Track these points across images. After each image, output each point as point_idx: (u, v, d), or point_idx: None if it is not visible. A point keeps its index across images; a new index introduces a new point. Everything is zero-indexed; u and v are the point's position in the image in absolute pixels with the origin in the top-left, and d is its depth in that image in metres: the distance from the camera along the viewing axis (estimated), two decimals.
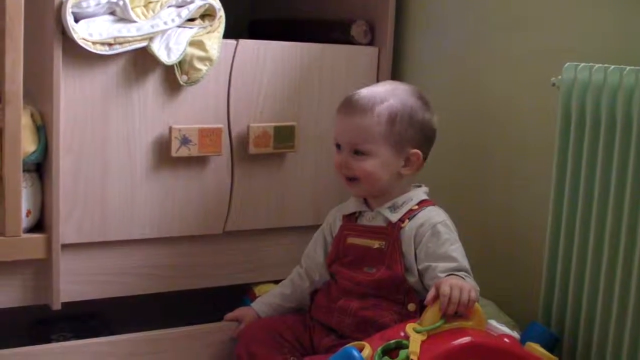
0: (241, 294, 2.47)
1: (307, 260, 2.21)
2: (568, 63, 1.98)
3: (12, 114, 2.07)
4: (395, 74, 2.57)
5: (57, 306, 2.19)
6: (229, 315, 2.23)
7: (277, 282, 2.33)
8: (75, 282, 2.22)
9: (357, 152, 2.02)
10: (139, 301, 2.39)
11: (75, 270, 2.21)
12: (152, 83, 2.21)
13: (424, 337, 1.74)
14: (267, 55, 2.36)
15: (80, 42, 2.08)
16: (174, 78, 2.21)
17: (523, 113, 2.25)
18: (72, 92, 2.12)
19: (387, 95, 2.03)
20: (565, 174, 2.01)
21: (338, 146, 2.07)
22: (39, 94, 2.16)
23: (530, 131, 2.23)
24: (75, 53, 2.10)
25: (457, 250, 1.97)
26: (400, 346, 1.73)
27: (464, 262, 1.96)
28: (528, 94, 2.24)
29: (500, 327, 1.85)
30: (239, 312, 2.23)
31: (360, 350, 1.73)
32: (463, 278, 1.87)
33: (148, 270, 2.31)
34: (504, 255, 2.32)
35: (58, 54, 2.08)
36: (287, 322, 2.12)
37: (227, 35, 2.29)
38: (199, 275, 2.39)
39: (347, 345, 1.74)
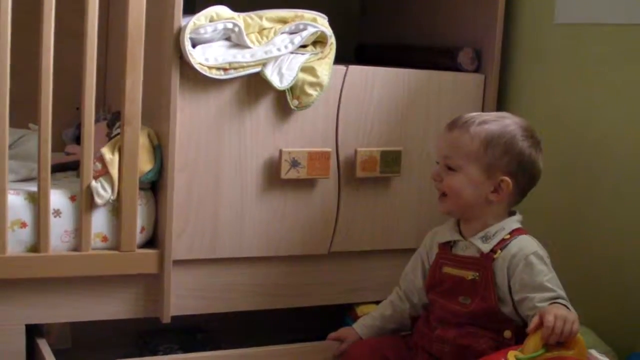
0: (343, 313, 2.53)
1: (406, 282, 2.24)
2: None
3: (131, 134, 2.17)
4: (501, 101, 2.60)
5: (166, 319, 2.28)
6: (332, 334, 2.28)
7: (379, 303, 2.37)
8: (184, 296, 2.30)
9: (449, 168, 2.05)
10: (244, 317, 2.47)
11: (185, 285, 2.30)
12: (264, 107, 2.29)
13: None
14: (375, 81, 2.42)
15: (197, 67, 2.17)
16: (285, 102, 2.29)
17: (630, 148, 2.26)
18: (188, 114, 2.21)
19: (491, 119, 2.06)
20: None
21: (437, 162, 2.11)
22: (156, 115, 2.25)
23: (637, 164, 2.24)
24: (192, 77, 2.19)
25: (551, 281, 1.97)
26: None
27: (560, 291, 1.96)
28: (636, 129, 2.24)
29: (601, 358, 1.86)
30: (341, 332, 2.27)
31: None
32: (567, 307, 1.89)
33: (254, 287, 2.38)
34: (605, 284, 2.32)
35: (175, 78, 2.17)
36: (390, 342, 2.16)
37: (335, 58, 2.35)
38: (303, 294, 2.45)
39: None
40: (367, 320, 2.27)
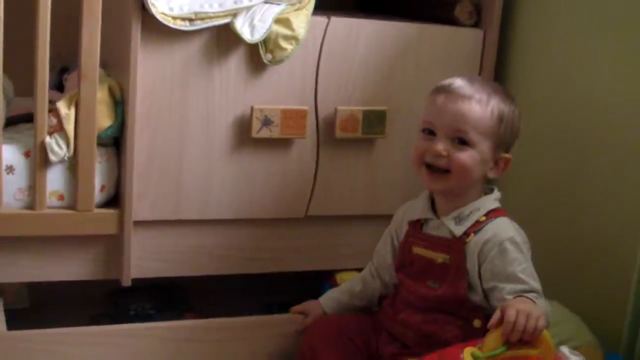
0: (323, 280, 2.40)
1: (378, 258, 2.10)
2: None
3: (88, 89, 2.04)
4: (501, 60, 2.40)
5: (126, 282, 2.17)
6: (296, 307, 2.15)
7: (360, 270, 2.24)
8: (147, 258, 2.19)
9: (459, 141, 1.86)
10: (221, 277, 2.33)
11: (148, 247, 2.19)
12: (235, 61, 2.14)
13: None
14: (360, 34, 2.24)
15: (159, 17, 2.02)
16: (258, 56, 2.13)
17: (631, 116, 2.05)
18: (151, 67, 2.07)
19: (495, 91, 1.89)
20: None
21: (429, 131, 1.90)
22: (118, 69, 2.12)
23: (636, 137, 2.04)
24: (155, 28, 2.04)
25: (525, 271, 1.80)
26: None
27: (534, 283, 1.79)
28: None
29: (572, 357, 1.69)
30: (306, 305, 2.15)
31: None
32: (533, 301, 1.72)
33: (223, 251, 2.26)
34: (593, 266, 2.13)
35: (136, 29, 2.03)
36: (354, 321, 2.03)
37: (337, 7, 2.18)
38: (277, 259, 2.32)
39: None
40: (334, 295, 2.15)
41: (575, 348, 1.90)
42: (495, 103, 1.86)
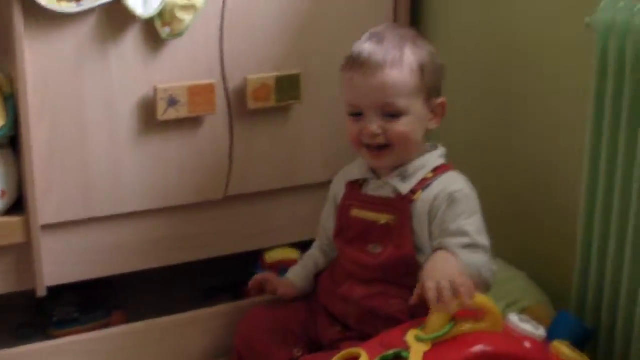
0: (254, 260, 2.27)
1: (321, 230, 1.97)
2: (605, 0, 1.66)
3: None
4: (416, 5, 2.26)
5: (41, 292, 2.01)
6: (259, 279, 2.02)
7: (290, 245, 2.14)
8: (61, 263, 2.03)
9: (388, 114, 1.73)
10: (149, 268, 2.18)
11: (60, 251, 2.02)
12: (131, 39, 1.97)
13: (427, 347, 1.49)
14: None
15: (42, 1, 1.83)
16: (155, 32, 1.97)
17: (555, 55, 1.93)
18: (41, 56, 1.90)
19: (404, 41, 1.76)
20: (602, 125, 1.70)
21: (355, 114, 1.77)
22: (5, 61, 1.93)
23: (563, 75, 1.92)
24: (39, 13, 1.86)
25: (473, 224, 1.68)
26: (400, 357, 1.49)
27: (478, 237, 1.67)
28: (562, 33, 1.91)
29: (522, 325, 1.57)
30: (274, 282, 1.99)
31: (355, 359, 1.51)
32: (452, 253, 1.61)
33: (143, 245, 2.10)
34: (536, 221, 2.03)
35: (18, 16, 1.84)
36: (289, 310, 1.90)
37: None
38: (200, 245, 2.17)
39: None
40: (297, 267, 2.01)
41: (525, 308, 1.83)
42: (410, 54, 1.74)
